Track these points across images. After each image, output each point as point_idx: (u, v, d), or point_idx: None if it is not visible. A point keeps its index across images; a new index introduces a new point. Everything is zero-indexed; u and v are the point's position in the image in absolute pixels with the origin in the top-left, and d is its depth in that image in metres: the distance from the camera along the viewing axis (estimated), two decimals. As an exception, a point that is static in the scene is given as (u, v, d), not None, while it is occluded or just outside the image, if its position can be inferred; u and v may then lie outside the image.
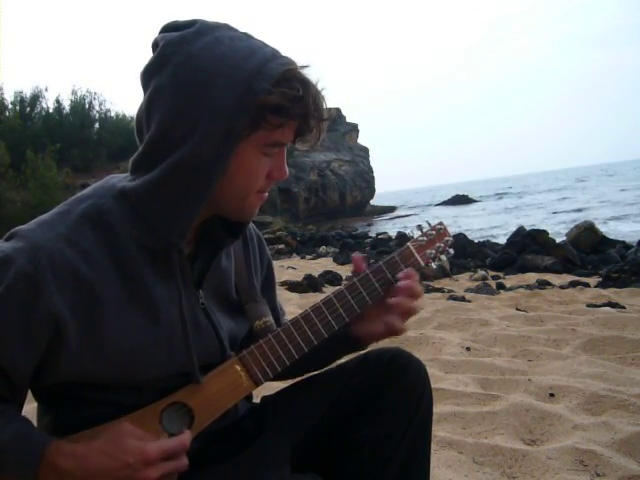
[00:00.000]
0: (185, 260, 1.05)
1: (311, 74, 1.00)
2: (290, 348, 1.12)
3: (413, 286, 1.17)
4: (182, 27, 1.00)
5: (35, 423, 1.11)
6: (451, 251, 1.27)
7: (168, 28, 1.02)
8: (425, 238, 1.24)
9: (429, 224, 1.26)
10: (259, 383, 1.11)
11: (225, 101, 0.94)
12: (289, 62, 0.99)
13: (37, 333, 0.94)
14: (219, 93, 0.94)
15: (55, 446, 0.95)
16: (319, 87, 1.01)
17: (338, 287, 1.20)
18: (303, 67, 1.00)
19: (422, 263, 1.23)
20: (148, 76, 1.00)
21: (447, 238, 1.26)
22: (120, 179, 1.06)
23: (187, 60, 0.96)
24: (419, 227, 1.26)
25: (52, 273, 0.93)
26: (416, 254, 1.22)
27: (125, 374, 1.01)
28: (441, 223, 1.27)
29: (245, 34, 1.02)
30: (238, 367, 1.10)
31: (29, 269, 0.92)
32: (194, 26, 0.99)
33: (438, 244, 1.24)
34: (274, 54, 0.99)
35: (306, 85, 0.98)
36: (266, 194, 1.08)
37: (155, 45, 1.01)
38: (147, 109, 0.99)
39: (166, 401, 1.05)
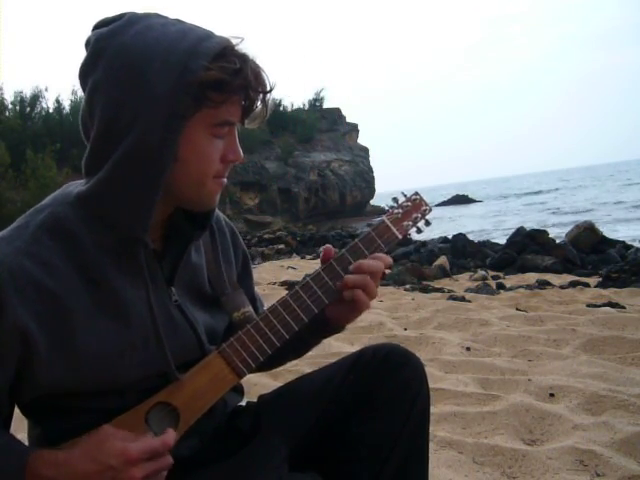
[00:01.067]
0: (152, 256, 1.04)
1: (248, 49, 0.99)
2: (270, 336, 1.10)
3: (363, 264, 1.15)
4: (111, 21, 1.00)
5: (26, 436, 1.10)
6: (429, 220, 1.24)
7: (98, 25, 1.01)
8: (401, 210, 1.22)
9: (405, 195, 1.24)
10: (242, 375, 1.10)
11: (163, 84, 0.93)
12: (224, 39, 0.98)
13: (5, 349, 0.93)
14: (156, 77, 0.93)
15: (37, 455, 0.94)
16: (257, 62, 1.00)
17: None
18: (238, 42, 0.99)
19: (399, 236, 1.21)
20: (84, 75, 0.99)
21: (424, 207, 1.23)
22: (76, 185, 1.04)
23: (120, 50, 0.95)
24: (394, 199, 1.23)
25: (13, 287, 0.92)
26: (392, 227, 1.20)
27: (104, 379, 1.00)
28: (417, 193, 1.24)
29: (177, 20, 1.02)
30: (219, 360, 1.08)
31: None
32: (123, 18, 0.99)
33: (415, 214, 1.22)
34: (208, 34, 0.99)
35: (244, 59, 0.97)
36: (224, 180, 1.07)
37: (87, 43, 1.00)
38: (88, 107, 0.98)
39: (150, 402, 1.04)
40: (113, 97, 0.95)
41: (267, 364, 1.23)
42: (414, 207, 1.23)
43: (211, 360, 1.09)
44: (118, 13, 1.02)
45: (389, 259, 1.19)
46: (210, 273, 1.18)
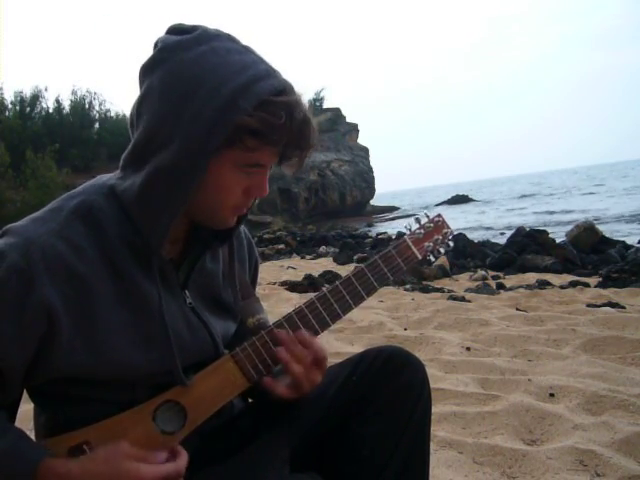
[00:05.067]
0: (166, 263, 1.06)
1: (302, 99, 0.98)
2: None
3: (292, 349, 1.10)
4: (183, 32, 1.00)
5: (32, 423, 1.11)
6: (451, 244, 1.24)
7: (171, 30, 1.03)
8: (422, 231, 1.21)
9: (427, 216, 1.24)
10: (252, 380, 1.11)
11: (204, 114, 0.93)
12: (280, 83, 0.97)
13: (30, 326, 0.94)
14: (199, 105, 0.94)
15: (49, 464, 0.94)
16: (310, 113, 0.99)
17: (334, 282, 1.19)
18: (296, 94, 0.98)
19: (419, 256, 1.20)
20: (143, 75, 1.01)
21: (446, 230, 1.23)
22: (110, 177, 1.07)
23: (177, 67, 0.96)
24: (417, 220, 1.23)
25: (44, 266, 0.94)
26: (413, 247, 1.20)
27: (118, 369, 1.01)
28: (439, 215, 1.24)
29: (245, 47, 1.01)
30: (231, 364, 1.10)
31: (22, 263, 0.93)
32: (194, 33, 0.99)
33: (436, 237, 1.22)
34: (268, 73, 0.97)
35: (291, 112, 0.96)
36: (244, 210, 1.07)
37: (155, 45, 1.02)
38: (138, 108, 1.00)
39: (159, 399, 1.05)
40: (160, 110, 0.96)
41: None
42: (436, 229, 1.22)
43: (223, 363, 1.10)
44: (194, 24, 1.02)
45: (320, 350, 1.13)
46: (228, 280, 1.19)
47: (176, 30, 1.02)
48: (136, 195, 0.99)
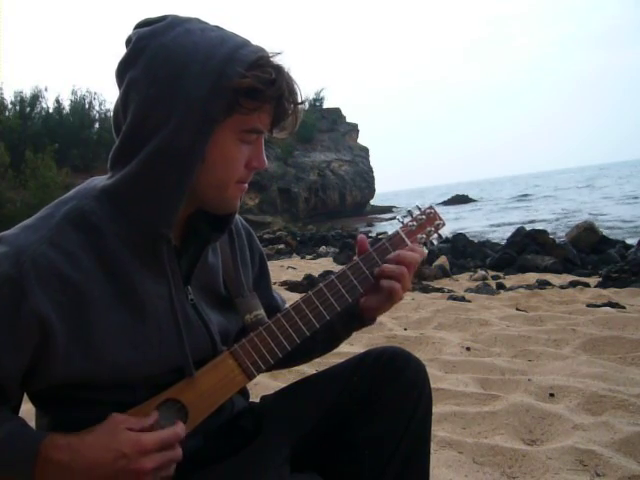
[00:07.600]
0: (173, 253, 1.05)
1: (283, 61, 1.02)
2: (282, 340, 1.12)
3: (401, 255, 1.19)
4: (153, 22, 1.02)
5: (33, 426, 1.11)
6: (442, 234, 1.27)
7: (140, 24, 1.03)
8: (415, 223, 1.24)
9: (419, 208, 1.27)
10: (252, 376, 1.11)
11: (199, 87, 0.95)
12: (261, 49, 1.01)
13: (24, 337, 0.94)
14: (193, 80, 0.95)
15: (50, 440, 0.95)
16: (291, 74, 1.02)
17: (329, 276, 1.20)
18: (275, 54, 1.01)
19: None
20: (122, 71, 1.01)
21: (438, 222, 1.26)
22: (101, 179, 1.06)
23: (159, 51, 0.97)
24: (409, 212, 1.26)
25: (36, 276, 0.93)
26: (406, 239, 1.23)
27: (117, 373, 1.01)
28: (431, 207, 1.27)
29: (216, 26, 1.04)
30: (230, 361, 1.10)
31: (13, 273, 0.92)
32: (165, 20, 1.01)
33: (429, 228, 1.25)
34: (245, 42, 1.01)
35: (279, 70, 0.99)
36: (246, 185, 1.08)
37: (128, 41, 1.02)
38: (123, 103, 1.00)
39: (159, 398, 1.05)
40: (149, 95, 0.96)
41: (286, 362, 1.25)
42: (428, 220, 1.25)
43: (222, 360, 1.10)
44: (160, 15, 1.04)
45: (424, 251, 1.22)
46: (225, 275, 1.19)
47: (145, 23, 1.03)
48: (130, 182, 0.99)
